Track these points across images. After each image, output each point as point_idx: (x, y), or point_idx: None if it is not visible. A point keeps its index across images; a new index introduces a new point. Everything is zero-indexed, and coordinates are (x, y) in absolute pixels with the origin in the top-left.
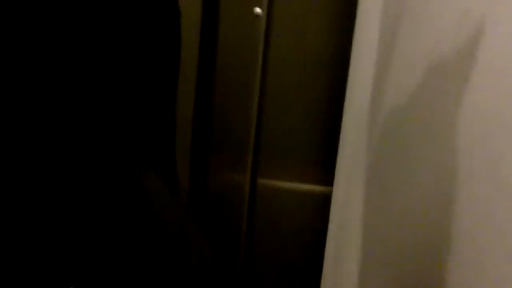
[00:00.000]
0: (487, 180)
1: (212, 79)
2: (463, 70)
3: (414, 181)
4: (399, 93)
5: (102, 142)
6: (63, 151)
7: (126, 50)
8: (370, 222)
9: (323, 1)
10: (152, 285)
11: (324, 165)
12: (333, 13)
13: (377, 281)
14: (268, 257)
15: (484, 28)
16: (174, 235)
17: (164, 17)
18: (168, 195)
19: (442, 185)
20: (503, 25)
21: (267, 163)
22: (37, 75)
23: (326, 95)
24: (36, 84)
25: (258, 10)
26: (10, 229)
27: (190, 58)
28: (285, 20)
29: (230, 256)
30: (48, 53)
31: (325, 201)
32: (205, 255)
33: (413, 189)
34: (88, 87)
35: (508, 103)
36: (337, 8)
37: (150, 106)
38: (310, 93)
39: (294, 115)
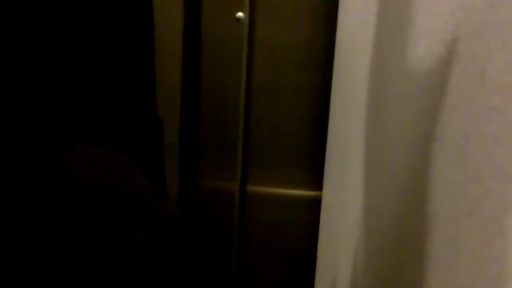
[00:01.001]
0: (482, 165)
1: (197, 86)
2: (450, 60)
3: (403, 173)
4: (383, 91)
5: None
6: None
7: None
8: (360, 223)
9: (305, 2)
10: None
11: (313, 170)
12: (315, 14)
13: (369, 281)
14: (261, 263)
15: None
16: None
17: None
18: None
19: (433, 174)
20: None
21: (256, 170)
22: None
23: (312, 98)
24: None
25: (240, 14)
26: None
27: (173, 66)
28: (268, 22)
29: (222, 263)
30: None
31: (315, 205)
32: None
33: (403, 181)
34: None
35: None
36: (319, 8)
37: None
38: (296, 97)
39: (281, 120)
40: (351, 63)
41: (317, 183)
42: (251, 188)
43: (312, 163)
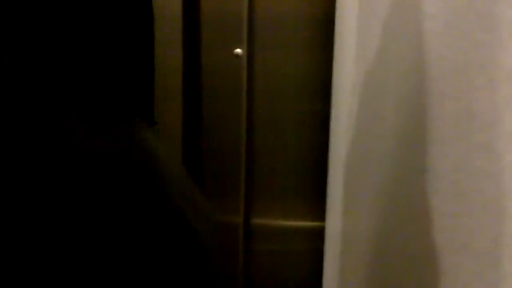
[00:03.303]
0: (473, 199)
1: (198, 121)
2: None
3: (400, 205)
4: (378, 124)
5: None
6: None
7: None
8: (361, 254)
9: (301, 35)
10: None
11: (316, 201)
12: (312, 46)
13: None
14: None
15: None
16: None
17: None
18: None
19: (429, 206)
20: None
21: (260, 202)
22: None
23: (312, 128)
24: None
25: (238, 50)
26: None
27: (174, 102)
28: (265, 56)
29: None
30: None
31: (319, 236)
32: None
33: (400, 212)
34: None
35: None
36: (316, 41)
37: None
38: (297, 127)
39: (283, 151)
40: (348, 93)
41: (321, 213)
42: (255, 220)
43: (315, 194)
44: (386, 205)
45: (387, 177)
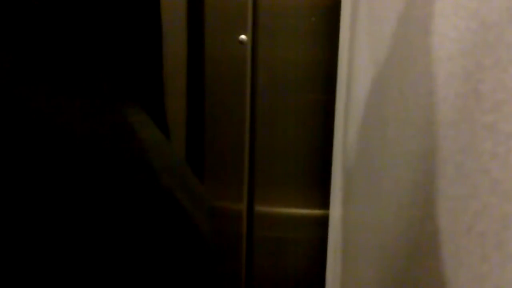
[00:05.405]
0: (479, 181)
1: (202, 109)
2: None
3: (405, 189)
4: (384, 109)
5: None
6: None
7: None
8: (365, 240)
9: (307, 23)
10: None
11: (319, 189)
12: (317, 34)
13: None
14: (270, 282)
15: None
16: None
17: None
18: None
19: (434, 190)
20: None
21: (263, 190)
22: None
23: (317, 116)
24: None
25: (243, 37)
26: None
27: (178, 89)
28: (270, 44)
29: (231, 283)
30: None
31: (323, 224)
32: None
33: (404, 197)
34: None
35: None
36: (321, 28)
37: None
38: (301, 116)
39: (287, 139)
40: (353, 81)
41: (324, 201)
42: (258, 208)
43: (318, 182)
44: (390, 191)
45: (391, 163)
